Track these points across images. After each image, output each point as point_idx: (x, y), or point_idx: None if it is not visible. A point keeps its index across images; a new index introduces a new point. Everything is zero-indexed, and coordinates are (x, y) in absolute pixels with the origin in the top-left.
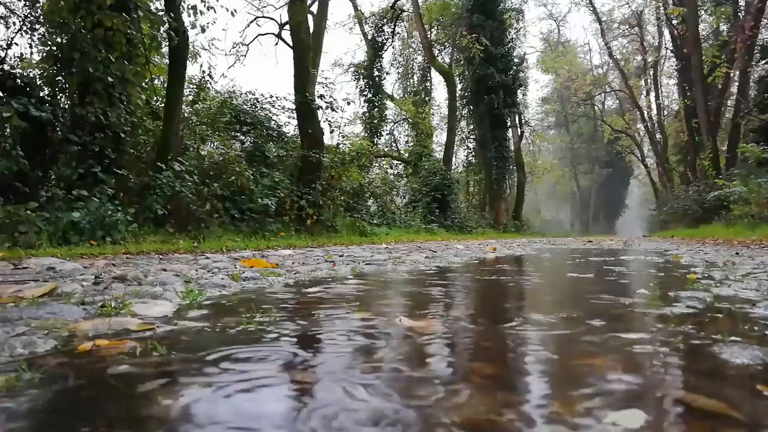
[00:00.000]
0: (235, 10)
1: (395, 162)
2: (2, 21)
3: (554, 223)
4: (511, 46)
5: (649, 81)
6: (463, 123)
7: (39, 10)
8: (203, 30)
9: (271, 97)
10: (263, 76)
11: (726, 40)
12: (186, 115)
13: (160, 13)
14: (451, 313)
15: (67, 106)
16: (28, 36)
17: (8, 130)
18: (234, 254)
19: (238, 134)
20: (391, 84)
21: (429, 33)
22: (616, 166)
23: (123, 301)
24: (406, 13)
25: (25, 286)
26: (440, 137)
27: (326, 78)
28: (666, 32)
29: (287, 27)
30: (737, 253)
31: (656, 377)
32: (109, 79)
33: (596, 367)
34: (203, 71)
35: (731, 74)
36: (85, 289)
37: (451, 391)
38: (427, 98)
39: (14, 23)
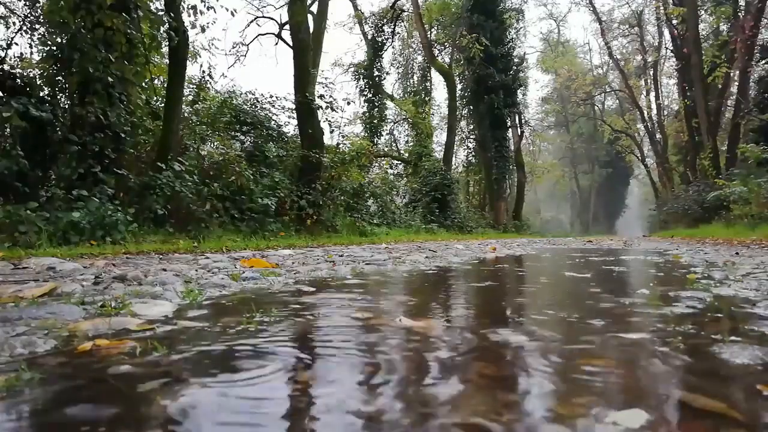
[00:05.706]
0: (235, 10)
1: (395, 162)
2: (2, 21)
3: (554, 223)
4: (511, 46)
5: (649, 81)
6: (463, 123)
7: (39, 10)
8: (203, 30)
9: (271, 97)
10: (263, 76)
11: (726, 40)
12: (186, 115)
13: (160, 13)
14: (452, 313)
15: (67, 106)
16: (28, 36)
17: (8, 130)
18: (234, 254)
19: (238, 134)
20: (391, 84)
21: (429, 33)
22: (616, 166)
23: (123, 301)
24: (406, 13)
25: (25, 286)
26: (440, 137)
27: (326, 78)
28: (666, 32)
29: (287, 27)
30: (737, 253)
31: (656, 377)
32: (109, 79)
33: (596, 367)
34: (203, 71)
35: (731, 74)
36: (85, 289)
37: (451, 391)
38: (427, 98)
39: (14, 23)
